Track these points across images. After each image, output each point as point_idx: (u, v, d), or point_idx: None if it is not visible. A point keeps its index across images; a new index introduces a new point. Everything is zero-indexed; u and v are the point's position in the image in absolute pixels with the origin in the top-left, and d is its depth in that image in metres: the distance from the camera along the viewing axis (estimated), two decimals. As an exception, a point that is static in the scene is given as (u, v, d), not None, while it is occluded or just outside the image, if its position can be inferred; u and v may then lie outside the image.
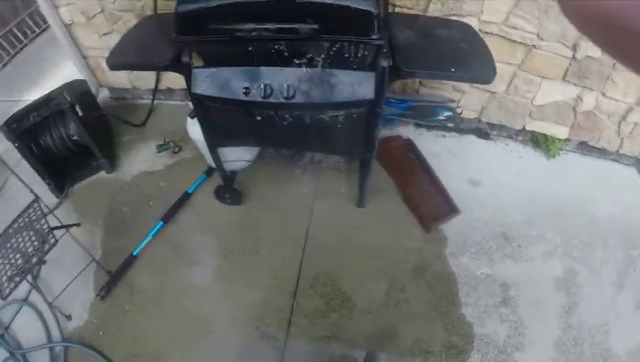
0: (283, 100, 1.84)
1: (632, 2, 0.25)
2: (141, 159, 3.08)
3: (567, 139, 3.07)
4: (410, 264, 2.56)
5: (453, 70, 1.81)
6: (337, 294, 2.43)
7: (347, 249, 2.58)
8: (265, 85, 1.83)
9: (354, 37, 1.66)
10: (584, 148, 3.17)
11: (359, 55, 1.78)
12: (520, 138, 3.13)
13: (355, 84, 1.81)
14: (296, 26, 1.58)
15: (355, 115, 1.96)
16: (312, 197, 2.79)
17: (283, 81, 1.82)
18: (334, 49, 1.72)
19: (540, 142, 3.04)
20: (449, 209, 2.71)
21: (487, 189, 2.90)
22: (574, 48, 2.48)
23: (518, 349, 2.43)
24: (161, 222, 2.70)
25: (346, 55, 1.76)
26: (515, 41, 2.50)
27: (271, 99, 1.85)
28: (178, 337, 2.35)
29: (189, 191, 2.83)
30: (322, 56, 1.77)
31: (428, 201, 2.71)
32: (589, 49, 2.46)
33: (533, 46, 2.51)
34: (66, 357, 2.32)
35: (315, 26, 1.57)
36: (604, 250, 2.87)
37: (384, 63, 1.76)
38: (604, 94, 2.72)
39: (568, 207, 2.95)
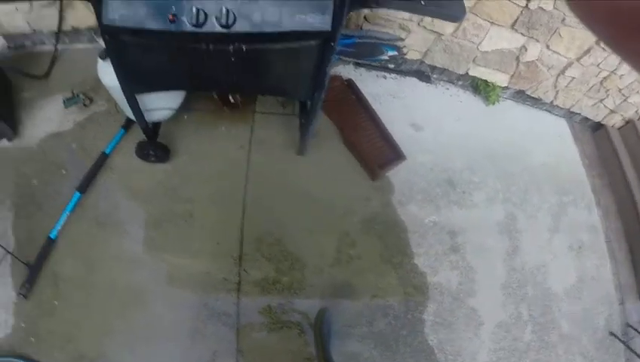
0: (220, 29, 1.45)
1: None
2: (47, 118, 2.48)
3: (506, 87, 2.99)
4: (358, 215, 2.33)
5: (423, 3, 1.52)
6: (286, 255, 2.14)
7: (290, 203, 2.27)
8: (197, 10, 1.42)
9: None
10: (521, 96, 3.13)
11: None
12: (460, 83, 3.00)
13: (309, 11, 1.47)
14: None
15: (305, 49, 1.62)
16: (247, 146, 2.40)
17: (220, 4, 1.43)
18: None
19: (480, 88, 2.92)
20: (395, 155, 2.47)
21: (430, 134, 2.72)
22: (528, -2, 2.35)
23: (470, 295, 2.38)
24: (78, 193, 2.20)
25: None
26: (470, -18, 2.30)
27: (205, 29, 1.45)
28: (118, 329, 1.93)
29: (107, 152, 2.31)
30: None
31: (372, 147, 2.44)
32: (543, 0, 2.33)
33: (488, -11, 2.33)
34: (-2, 373, 1.85)
35: None
36: (539, 195, 2.89)
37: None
38: (548, 47, 2.65)
39: (506, 154, 2.91)
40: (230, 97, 2.39)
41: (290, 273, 2.11)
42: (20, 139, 2.41)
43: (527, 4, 2.36)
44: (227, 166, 2.31)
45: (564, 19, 2.42)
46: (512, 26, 2.51)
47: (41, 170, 2.33)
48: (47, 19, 2.57)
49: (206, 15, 1.44)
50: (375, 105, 2.60)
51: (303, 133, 2.14)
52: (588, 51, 2.66)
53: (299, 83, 1.82)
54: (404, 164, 2.50)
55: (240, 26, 1.46)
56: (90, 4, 1.48)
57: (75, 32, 2.66)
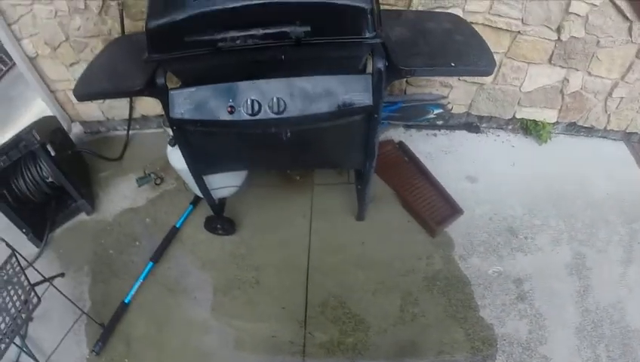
0: (273, 116, 1.59)
1: None
2: (122, 195, 2.77)
3: (555, 122, 2.92)
4: (420, 273, 2.34)
5: (453, 65, 1.61)
6: (350, 317, 2.18)
7: (353, 266, 2.34)
8: (251, 101, 1.57)
9: (348, 37, 1.41)
10: (573, 128, 3.03)
11: (352, 57, 1.55)
12: (510, 127, 2.97)
13: (351, 90, 1.59)
14: (286, 29, 1.31)
15: (351, 124, 1.72)
16: (308, 216, 2.54)
17: (271, 93, 1.57)
18: (325, 53, 1.47)
19: (531, 128, 2.88)
20: (452, 210, 2.50)
21: (486, 184, 2.71)
22: (559, 30, 2.35)
23: (541, 343, 2.25)
24: (151, 263, 2.40)
25: (338, 58, 1.52)
26: (500, 29, 2.35)
27: (259, 116, 1.59)
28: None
29: (177, 225, 2.54)
30: (312, 61, 1.53)
31: (429, 205, 2.49)
32: (574, 29, 2.33)
33: (519, 32, 2.37)
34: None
35: (307, 28, 1.31)
36: (606, 228, 2.73)
37: (380, 64, 1.52)
38: (589, 73, 2.60)
39: (566, 191, 2.81)
40: (288, 172, 2.56)
41: (354, 334, 2.13)
42: (98, 213, 2.69)
43: (558, 37, 2.38)
44: (290, 235, 2.45)
45: (598, 42, 2.39)
46: (550, 61, 2.51)
47: (117, 241, 2.57)
48: (119, 108, 2.87)
49: (260, 105, 1.58)
50: (428, 163, 2.66)
51: (360, 198, 2.26)
52: (630, 67, 2.58)
53: (349, 154, 1.93)
54: (462, 218, 2.51)
55: (290, 111, 1.58)
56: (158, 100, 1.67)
57: (145, 119, 2.95)
